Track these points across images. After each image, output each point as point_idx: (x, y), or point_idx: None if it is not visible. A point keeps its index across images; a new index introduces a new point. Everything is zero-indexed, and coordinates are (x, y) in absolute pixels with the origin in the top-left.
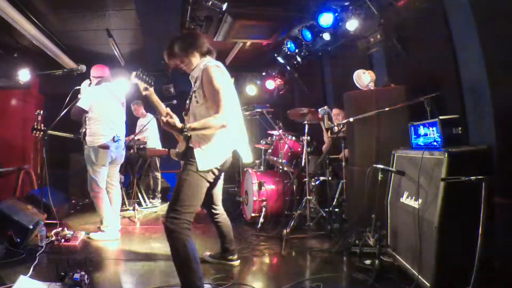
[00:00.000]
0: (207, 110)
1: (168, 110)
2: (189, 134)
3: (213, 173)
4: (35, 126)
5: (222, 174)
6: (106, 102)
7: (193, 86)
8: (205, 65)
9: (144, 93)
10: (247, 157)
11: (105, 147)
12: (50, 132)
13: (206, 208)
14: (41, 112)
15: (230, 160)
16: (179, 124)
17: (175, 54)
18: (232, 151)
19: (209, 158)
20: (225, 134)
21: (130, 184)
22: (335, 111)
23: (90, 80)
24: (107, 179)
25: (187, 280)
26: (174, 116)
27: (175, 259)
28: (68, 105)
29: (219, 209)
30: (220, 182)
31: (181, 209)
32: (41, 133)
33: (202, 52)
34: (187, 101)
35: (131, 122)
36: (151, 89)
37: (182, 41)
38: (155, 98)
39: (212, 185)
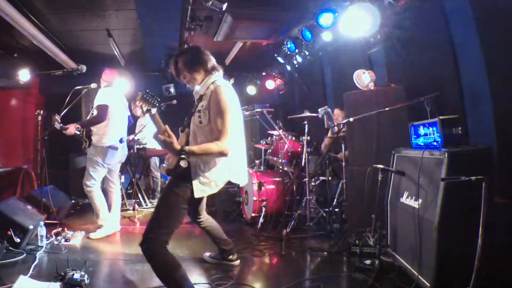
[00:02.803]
0: (211, 132)
1: (167, 127)
2: (186, 158)
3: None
4: (55, 118)
5: None
6: (116, 104)
7: (196, 102)
8: (215, 84)
9: (146, 114)
10: (242, 180)
11: (115, 148)
12: (63, 127)
13: (191, 218)
14: (41, 112)
15: None
16: (177, 146)
17: (179, 69)
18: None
19: (206, 185)
20: (226, 161)
21: (130, 184)
22: (336, 111)
23: (100, 82)
24: (108, 177)
25: None
26: (173, 136)
27: (158, 275)
28: (68, 106)
29: (203, 216)
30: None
31: (158, 229)
32: (58, 124)
33: (207, 69)
34: (186, 118)
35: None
36: (154, 110)
37: (186, 56)
38: (157, 118)
39: (198, 201)
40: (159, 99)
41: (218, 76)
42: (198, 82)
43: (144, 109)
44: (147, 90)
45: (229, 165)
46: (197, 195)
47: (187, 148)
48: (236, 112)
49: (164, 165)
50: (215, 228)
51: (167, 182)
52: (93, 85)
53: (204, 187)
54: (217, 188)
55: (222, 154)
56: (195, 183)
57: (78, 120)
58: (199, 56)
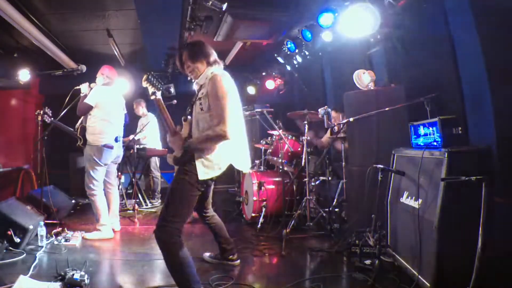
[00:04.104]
0: (211, 118)
1: (177, 129)
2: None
3: (207, 183)
4: (45, 110)
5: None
6: (113, 103)
7: (197, 93)
8: (213, 73)
9: (151, 97)
10: (245, 166)
11: (110, 146)
12: (53, 121)
13: (197, 212)
14: (41, 112)
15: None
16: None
17: (183, 60)
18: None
19: (210, 167)
20: (226, 144)
21: (130, 184)
22: (333, 113)
23: (96, 77)
24: (105, 179)
25: (183, 285)
26: (180, 134)
27: (169, 266)
28: (67, 106)
29: (210, 212)
30: (212, 188)
31: (171, 218)
32: (48, 117)
33: (209, 61)
34: (188, 108)
35: (132, 122)
36: (159, 94)
37: (191, 48)
38: (162, 104)
39: (204, 192)
40: (162, 83)
41: (218, 69)
42: (200, 72)
43: (150, 91)
44: (152, 72)
45: (231, 148)
46: (201, 177)
47: (188, 143)
48: (234, 98)
49: (170, 154)
50: (220, 226)
51: (175, 172)
52: (93, 85)
53: (207, 169)
54: (220, 171)
55: (223, 137)
56: (199, 166)
57: (77, 120)
58: (202, 49)
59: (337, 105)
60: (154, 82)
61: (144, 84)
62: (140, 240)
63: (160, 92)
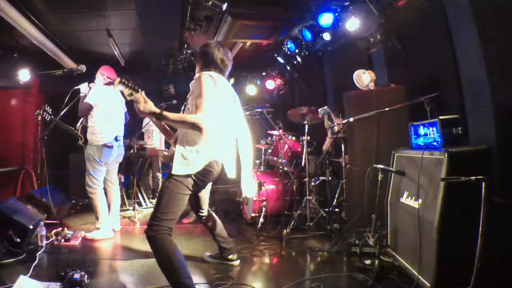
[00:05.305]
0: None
1: (143, 94)
2: (162, 121)
3: (194, 182)
4: (45, 108)
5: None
6: (112, 103)
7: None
8: (200, 74)
9: (128, 98)
10: (231, 172)
11: (110, 146)
12: (54, 121)
13: (194, 212)
14: (41, 111)
15: (218, 172)
16: (155, 109)
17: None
18: (215, 163)
19: (184, 164)
20: (205, 144)
21: (130, 184)
22: (336, 119)
23: (96, 77)
24: (106, 177)
25: (174, 282)
26: (149, 101)
27: (159, 263)
28: (67, 105)
29: (205, 212)
30: (208, 188)
31: (161, 216)
32: (48, 115)
33: (207, 64)
34: (182, 108)
35: (135, 121)
36: (137, 95)
37: (199, 50)
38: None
39: (198, 191)
40: (140, 85)
41: (212, 72)
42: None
43: (126, 93)
44: (128, 77)
45: (211, 148)
46: (174, 171)
47: (164, 112)
48: (217, 97)
49: (165, 153)
50: (217, 225)
51: None
52: (92, 85)
53: (184, 167)
54: (195, 170)
55: (195, 126)
56: (176, 163)
57: (77, 120)
58: (205, 51)
59: (337, 109)
60: (129, 84)
61: (118, 87)
62: (140, 240)
63: (138, 93)
